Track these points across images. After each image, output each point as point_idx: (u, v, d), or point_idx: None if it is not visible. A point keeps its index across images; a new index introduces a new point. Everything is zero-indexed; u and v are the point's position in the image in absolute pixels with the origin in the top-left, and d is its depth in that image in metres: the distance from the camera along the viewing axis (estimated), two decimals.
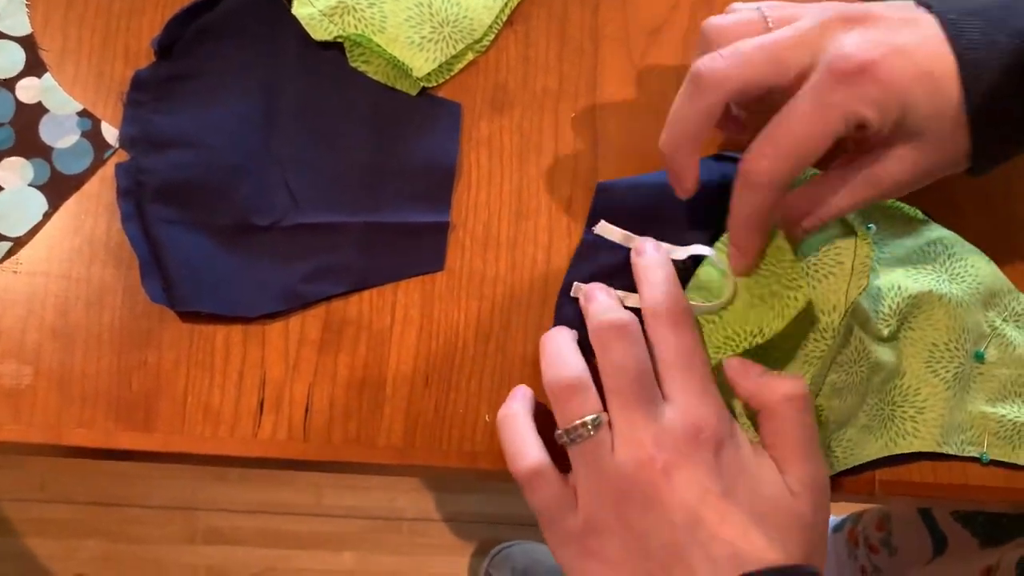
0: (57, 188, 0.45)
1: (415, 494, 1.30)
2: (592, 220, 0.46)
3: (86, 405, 0.43)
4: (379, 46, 0.47)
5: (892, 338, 0.45)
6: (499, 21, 0.49)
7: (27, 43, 0.46)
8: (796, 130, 0.37)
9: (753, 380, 0.40)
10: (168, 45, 0.46)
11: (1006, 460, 0.46)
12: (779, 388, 0.39)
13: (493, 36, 0.49)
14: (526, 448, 0.39)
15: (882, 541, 0.80)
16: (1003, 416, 0.46)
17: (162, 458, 0.44)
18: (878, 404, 0.45)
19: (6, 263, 0.45)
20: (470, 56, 0.48)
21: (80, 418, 0.43)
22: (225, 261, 0.45)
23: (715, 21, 0.41)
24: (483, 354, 0.45)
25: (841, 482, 0.46)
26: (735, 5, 0.43)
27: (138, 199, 0.45)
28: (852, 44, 0.37)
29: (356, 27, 0.47)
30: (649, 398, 0.38)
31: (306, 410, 0.44)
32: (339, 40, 0.47)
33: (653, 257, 0.42)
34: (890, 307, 0.45)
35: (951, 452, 0.45)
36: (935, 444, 0.45)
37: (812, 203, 0.40)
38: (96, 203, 0.45)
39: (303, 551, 1.28)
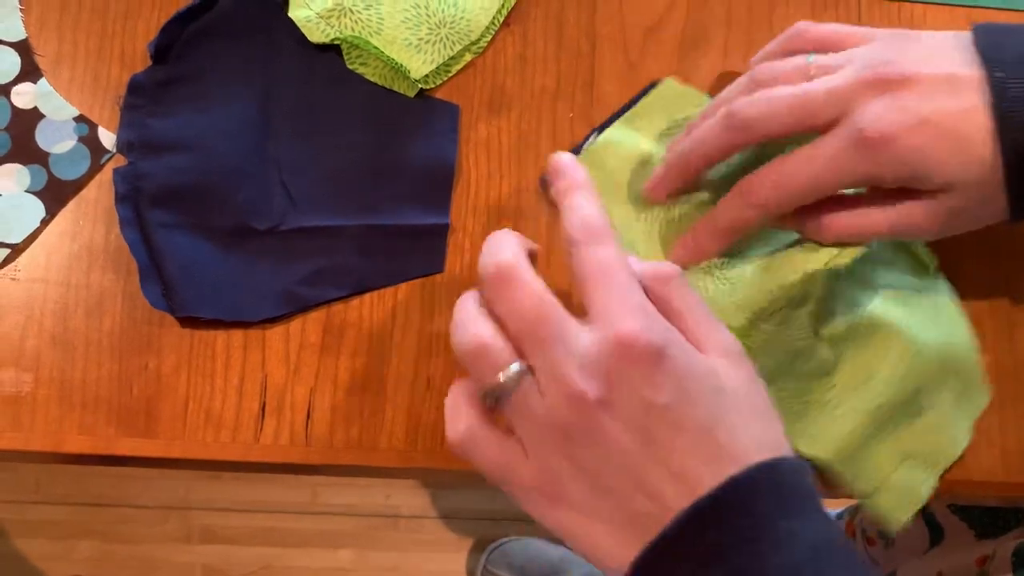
0: (55, 194, 0.45)
1: (411, 491, 1.30)
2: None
3: (87, 411, 0.43)
4: (376, 48, 0.46)
5: (829, 340, 0.44)
6: (496, 22, 0.49)
7: (22, 48, 0.46)
8: (805, 173, 0.40)
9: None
10: (164, 48, 0.46)
11: (880, 513, 0.44)
12: (649, 269, 0.37)
13: (490, 37, 0.49)
14: (457, 415, 0.36)
15: (879, 533, 0.80)
16: (903, 475, 0.44)
17: (164, 464, 0.44)
18: (791, 395, 0.44)
19: (4, 270, 0.44)
20: (468, 57, 0.48)
21: (81, 425, 0.43)
22: (224, 265, 0.45)
23: (766, 68, 0.43)
24: None
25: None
26: (790, 60, 0.43)
27: (136, 204, 0.45)
28: (876, 115, 0.38)
29: (353, 29, 0.47)
30: (560, 330, 0.34)
31: (307, 414, 0.44)
32: (336, 42, 0.47)
33: (572, 178, 0.38)
34: (843, 312, 0.44)
35: (834, 478, 0.44)
36: (827, 459, 0.44)
37: (847, 215, 0.42)
38: (94, 208, 0.45)
39: (299, 549, 1.28)
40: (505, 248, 0.36)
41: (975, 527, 0.68)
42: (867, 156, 0.39)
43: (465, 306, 0.37)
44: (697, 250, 0.44)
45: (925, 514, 0.73)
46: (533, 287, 0.35)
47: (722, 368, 0.35)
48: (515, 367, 0.34)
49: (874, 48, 0.41)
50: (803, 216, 0.42)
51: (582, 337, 0.34)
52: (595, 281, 0.35)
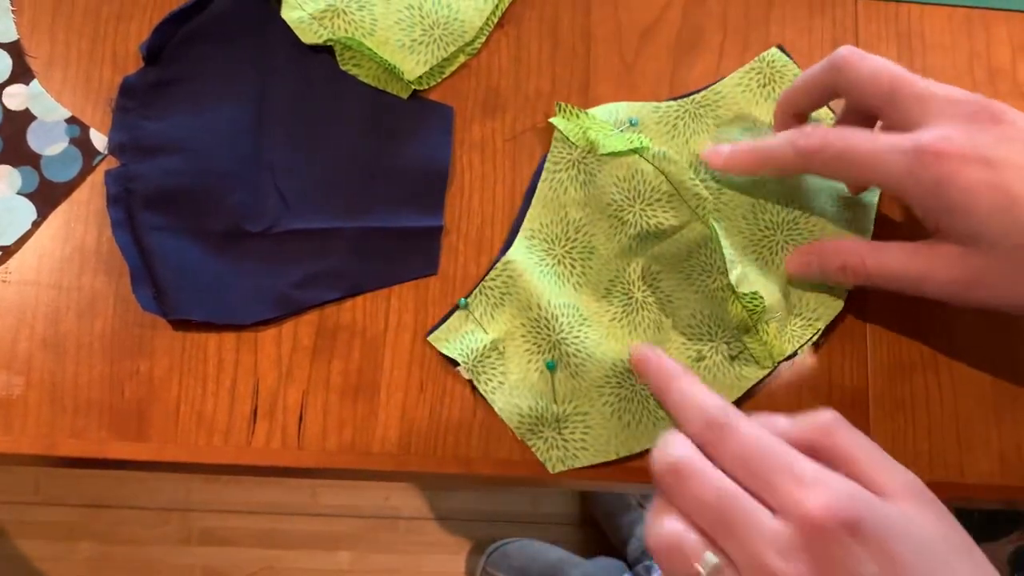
0: (46, 196, 0.45)
1: (410, 492, 1.30)
2: None
3: (78, 415, 0.43)
4: (370, 49, 0.46)
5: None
6: (490, 23, 0.48)
7: (13, 50, 0.46)
8: (857, 147, 0.40)
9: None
10: (156, 50, 0.46)
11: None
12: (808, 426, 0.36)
13: (484, 38, 0.48)
14: None
15: None
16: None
17: (156, 467, 0.44)
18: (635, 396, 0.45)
19: None
20: (461, 59, 0.48)
21: (72, 428, 0.43)
22: (217, 268, 0.44)
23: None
24: None
25: None
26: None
27: (128, 206, 0.44)
28: (945, 135, 0.38)
29: (346, 30, 0.46)
30: (749, 517, 0.33)
31: (300, 417, 0.44)
32: (329, 44, 0.47)
33: (664, 369, 0.38)
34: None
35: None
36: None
37: (872, 256, 0.42)
38: (86, 211, 0.45)
39: (299, 551, 1.28)
40: (675, 444, 0.35)
41: (973, 531, 0.67)
42: (913, 168, 0.38)
43: (652, 507, 0.36)
44: (730, 159, 0.44)
45: None
46: (711, 476, 0.34)
47: (915, 514, 0.33)
48: (710, 558, 0.33)
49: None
50: (826, 257, 0.43)
51: (773, 522, 0.32)
52: (754, 467, 0.34)
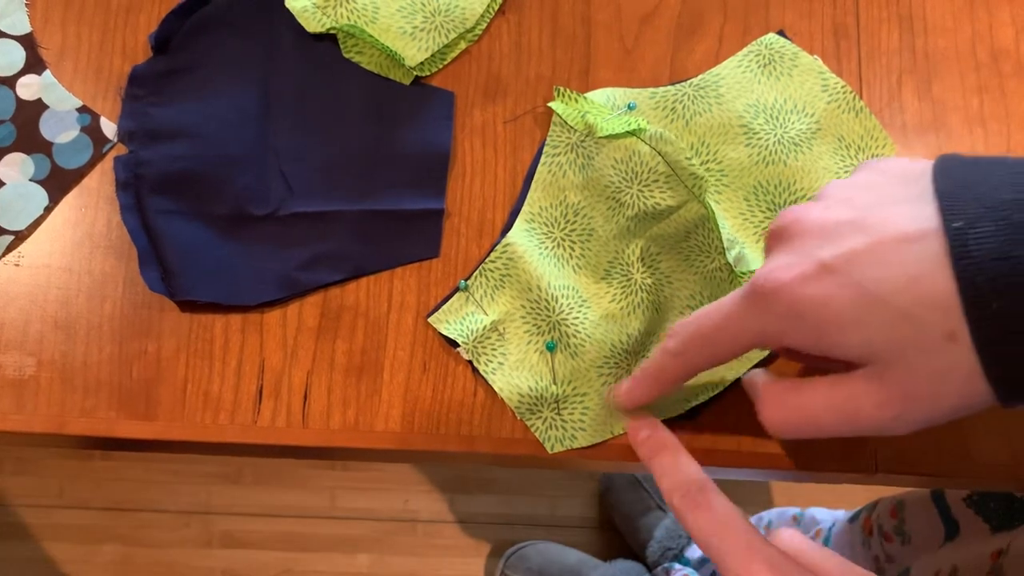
0: (58, 182, 0.46)
1: (429, 495, 1.30)
2: None
3: (88, 394, 0.44)
4: (372, 37, 0.47)
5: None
6: (491, 10, 0.49)
7: (27, 41, 0.47)
8: (713, 327, 0.36)
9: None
10: (164, 40, 0.47)
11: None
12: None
13: (485, 25, 0.49)
14: None
15: (895, 529, 0.79)
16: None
17: (164, 447, 0.45)
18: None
19: (8, 256, 0.45)
20: (463, 45, 0.49)
21: (82, 407, 0.44)
22: (223, 250, 0.45)
23: None
24: None
25: (840, 458, 0.45)
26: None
27: (137, 191, 0.45)
28: (780, 265, 0.33)
29: (349, 18, 0.47)
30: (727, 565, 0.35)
31: (305, 397, 0.45)
32: (332, 32, 0.47)
33: (656, 440, 0.39)
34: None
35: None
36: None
37: (790, 408, 0.36)
38: (96, 196, 0.46)
39: (318, 553, 1.28)
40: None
41: (991, 520, 0.67)
42: (760, 308, 0.34)
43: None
44: (628, 396, 0.41)
45: (940, 509, 0.72)
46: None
47: None
48: None
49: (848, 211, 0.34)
50: (758, 407, 0.38)
51: None
52: (714, 545, 0.35)
